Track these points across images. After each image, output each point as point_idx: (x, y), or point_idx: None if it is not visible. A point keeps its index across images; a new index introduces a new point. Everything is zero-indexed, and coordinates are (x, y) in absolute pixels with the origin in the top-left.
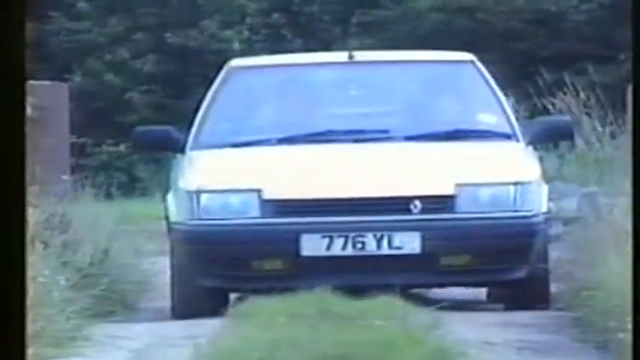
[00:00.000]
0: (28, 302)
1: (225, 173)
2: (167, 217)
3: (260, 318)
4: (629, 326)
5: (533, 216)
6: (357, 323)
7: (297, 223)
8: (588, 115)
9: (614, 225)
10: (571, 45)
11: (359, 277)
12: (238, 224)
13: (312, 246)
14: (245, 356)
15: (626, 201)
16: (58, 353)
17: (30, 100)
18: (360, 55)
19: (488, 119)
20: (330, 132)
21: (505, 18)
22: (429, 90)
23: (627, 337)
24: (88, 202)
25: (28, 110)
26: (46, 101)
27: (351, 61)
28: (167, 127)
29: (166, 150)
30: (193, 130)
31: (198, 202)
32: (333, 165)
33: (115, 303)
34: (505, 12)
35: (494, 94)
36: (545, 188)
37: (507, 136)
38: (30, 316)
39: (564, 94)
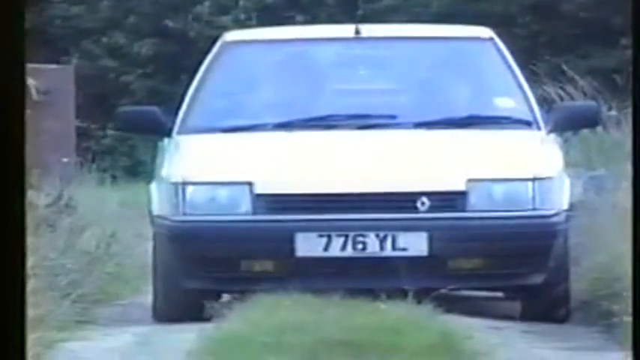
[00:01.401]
0: (34, 286)
1: (213, 163)
2: (149, 209)
3: (265, 302)
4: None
5: (553, 215)
6: (362, 308)
7: (292, 220)
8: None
9: (620, 208)
10: (571, 29)
11: (359, 280)
12: (227, 221)
13: (307, 246)
14: (250, 340)
15: (630, 185)
16: (63, 337)
17: (35, 84)
18: (367, 30)
19: (506, 104)
20: (333, 117)
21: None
22: (442, 70)
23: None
24: (93, 186)
25: (34, 94)
26: (52, 85)
27: (358, 36)
28: (153, 108)
29: (152, 133)
30: (181, 111)
31: (184, 196)
32: (333, 156)
33: (121, 286)
34: None
35: (515, 76)
36: (567, 182)
37: (527, 123)
38: (35, 300)
39: (561, 83)
